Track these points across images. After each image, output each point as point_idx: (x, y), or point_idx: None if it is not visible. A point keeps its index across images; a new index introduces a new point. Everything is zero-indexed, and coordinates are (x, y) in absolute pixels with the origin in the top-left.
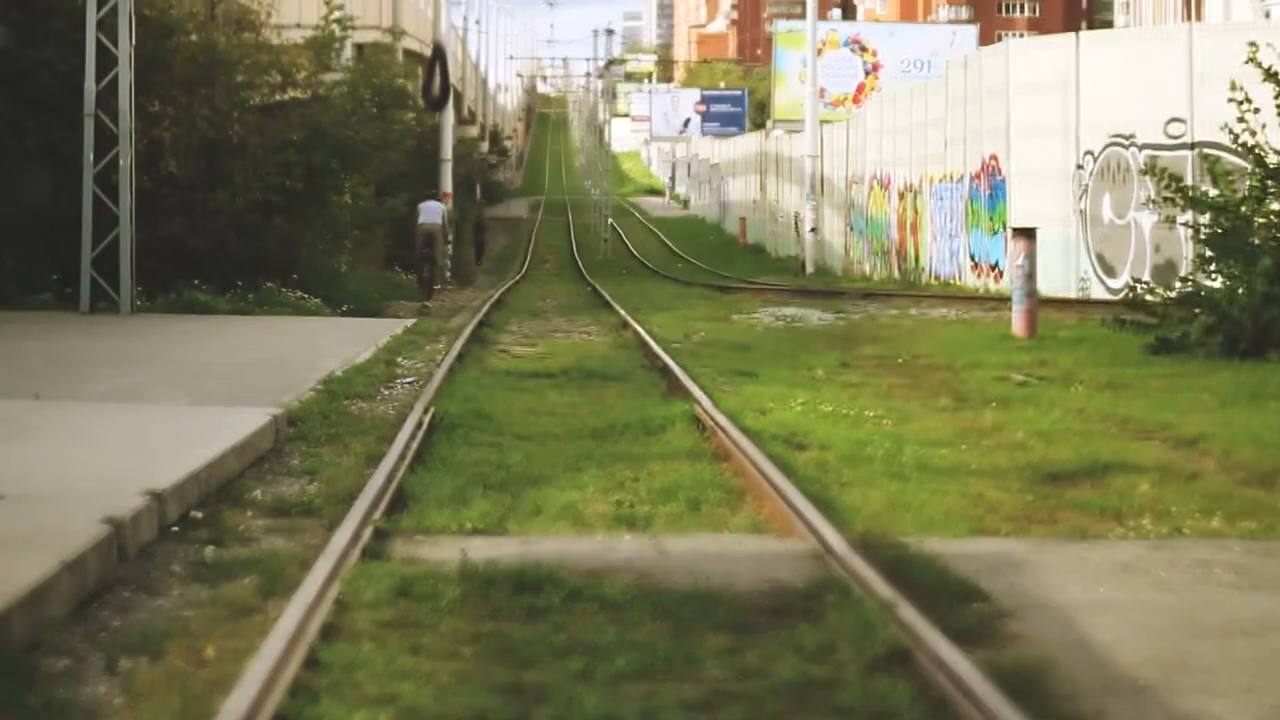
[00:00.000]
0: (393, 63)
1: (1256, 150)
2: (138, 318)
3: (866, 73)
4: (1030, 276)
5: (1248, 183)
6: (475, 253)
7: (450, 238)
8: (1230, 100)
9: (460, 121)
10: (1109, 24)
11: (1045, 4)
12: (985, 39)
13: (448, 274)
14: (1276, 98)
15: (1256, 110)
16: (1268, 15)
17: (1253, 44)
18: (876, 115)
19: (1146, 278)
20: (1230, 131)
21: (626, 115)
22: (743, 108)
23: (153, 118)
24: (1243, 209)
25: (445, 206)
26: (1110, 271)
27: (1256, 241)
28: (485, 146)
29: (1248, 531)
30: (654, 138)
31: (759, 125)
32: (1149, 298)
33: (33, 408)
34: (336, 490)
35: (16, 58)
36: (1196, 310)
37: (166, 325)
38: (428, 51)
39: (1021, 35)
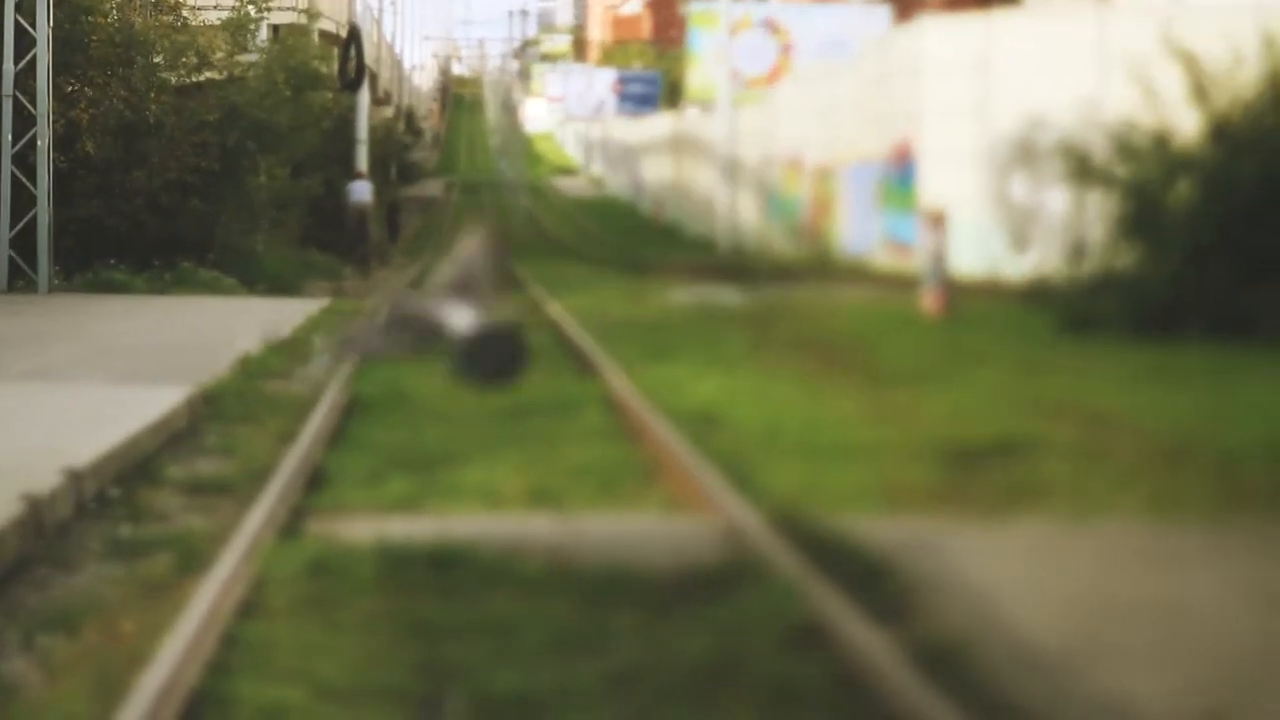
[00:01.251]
0: (308, 44)
1: (1163, 133)
2: (55, 297)
3: (780, 53)
4: (942, 257)
5: (1155, 164)
6: (390, 233)
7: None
8: (1139, 82)
9: (376, 102)
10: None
11: None
12: (902, 19)
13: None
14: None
15: (1163, 94)
16: None
17: (1164, 24)
18: (790, 96)
19: (1057, 258)
20: (1133, 118)
21: (542, 95)
22: (657, 88)
23: (70, 98)
24: (1152, 190)
25: (371, 186)
26: (1022, 252)
27: (1166, 222)
28: (401, 127)
29: (1159, 510)
30: (569, 118)
31: (674, 106)
32: (1060, 278)
33: None
34: (253, 468)
35: None
36: (1106, 290)
37: (84, 304)
38: (343, 32)
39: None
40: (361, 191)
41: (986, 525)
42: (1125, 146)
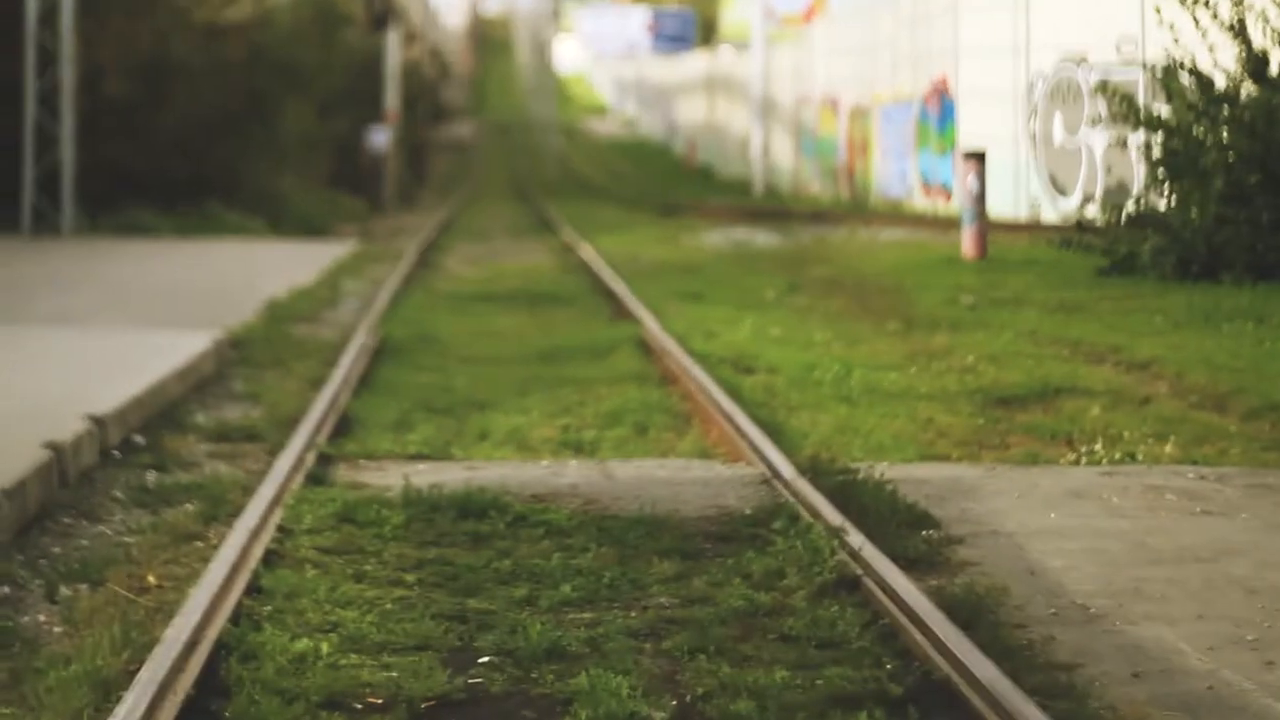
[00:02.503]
0: None
1: (1203, 73)
2: (80, 240)
3: None
4: (980, 198)
5: (1197, 104)
6: (419, 174)
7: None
8: (1178, 22)
9: (404, 41)
10: None
11: None
12: None
13: (395, 196)
14: (1218, 20)
15: (1204, 33)
16: None
17: None
18: (825, 35)
19: (1098, 199)
20: (1175, 58)
21: (573, 34)
22: (691, 27)
23: (94, 39)
24: (1195, 130)
25: (390, 131)
26: (1061, 193)
27: (1208, 163)
28: (429, 66)
29: (1200, 456)
30: (601, 58)
31: (708, 45)
32: (1100, 219)
33: None
34: (279, 415)
35: None
36: (1148, 232)
37: (109, 248)
38: None
39: None
40: (378, 137)
41: (1024, 471)
42: (1167, 86)
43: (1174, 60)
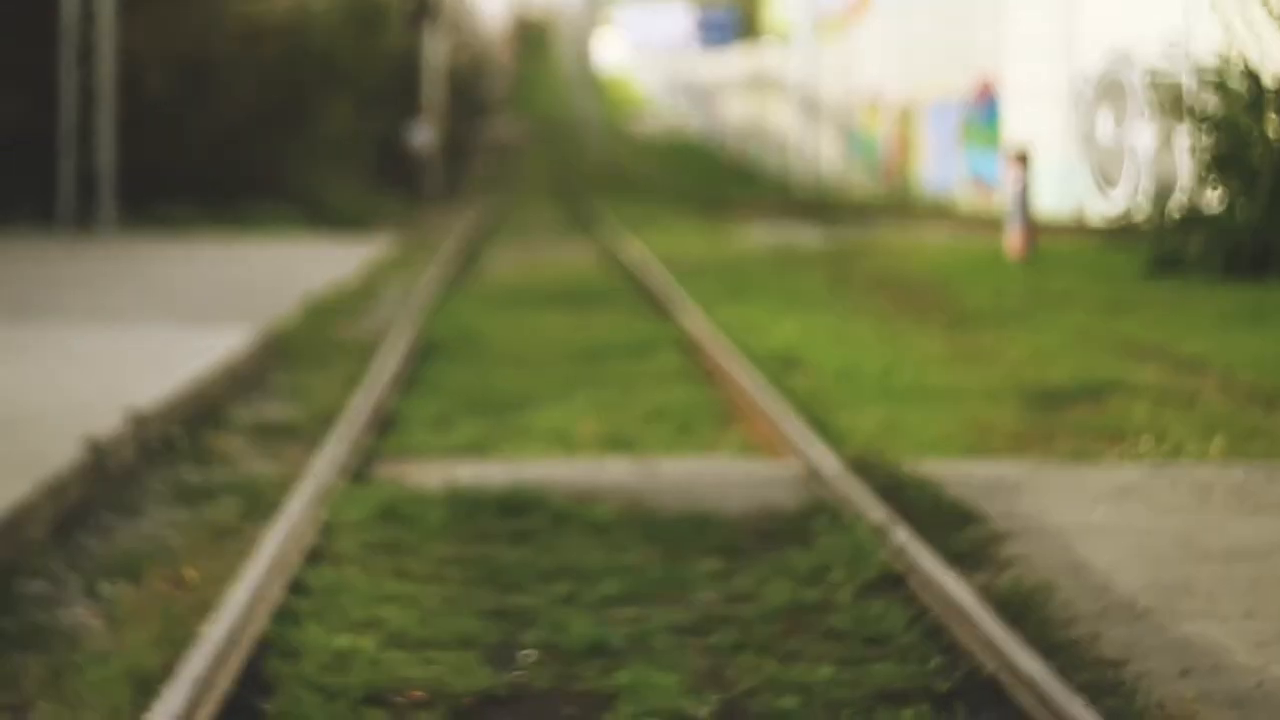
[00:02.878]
0: None
1: (1252, 68)
2: (118, 237)
3: None
4: (1025, 196)
5: (1246, 99)
6: (460, 171)
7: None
8: (1227, 17)
9: (445, 39)
10: None
11: None
12: None
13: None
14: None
15: (1253, 28)
16: None
17: None
18: (871, 32)
19: (1144, 197)
20: (1223, 53)
21: (615, 29)
22: (735, 24)
23: (133, 36)
24: (1243, 125)
25: (431, 127)
26: (1107, 191)
27: (1256, 159)
28: (470, 63)
29: (1248, 453)
30: (644, 55)
31: (752, 42)
32: (1146, 217)
33: (12, 328)
34: (320, 411)
35: None
36: (1195, 229)
37: (147, 245)
38: None
39: None
40: (419, 134)
41: (1072, 468)
42: (1215, 81)
43: (1222, 56)
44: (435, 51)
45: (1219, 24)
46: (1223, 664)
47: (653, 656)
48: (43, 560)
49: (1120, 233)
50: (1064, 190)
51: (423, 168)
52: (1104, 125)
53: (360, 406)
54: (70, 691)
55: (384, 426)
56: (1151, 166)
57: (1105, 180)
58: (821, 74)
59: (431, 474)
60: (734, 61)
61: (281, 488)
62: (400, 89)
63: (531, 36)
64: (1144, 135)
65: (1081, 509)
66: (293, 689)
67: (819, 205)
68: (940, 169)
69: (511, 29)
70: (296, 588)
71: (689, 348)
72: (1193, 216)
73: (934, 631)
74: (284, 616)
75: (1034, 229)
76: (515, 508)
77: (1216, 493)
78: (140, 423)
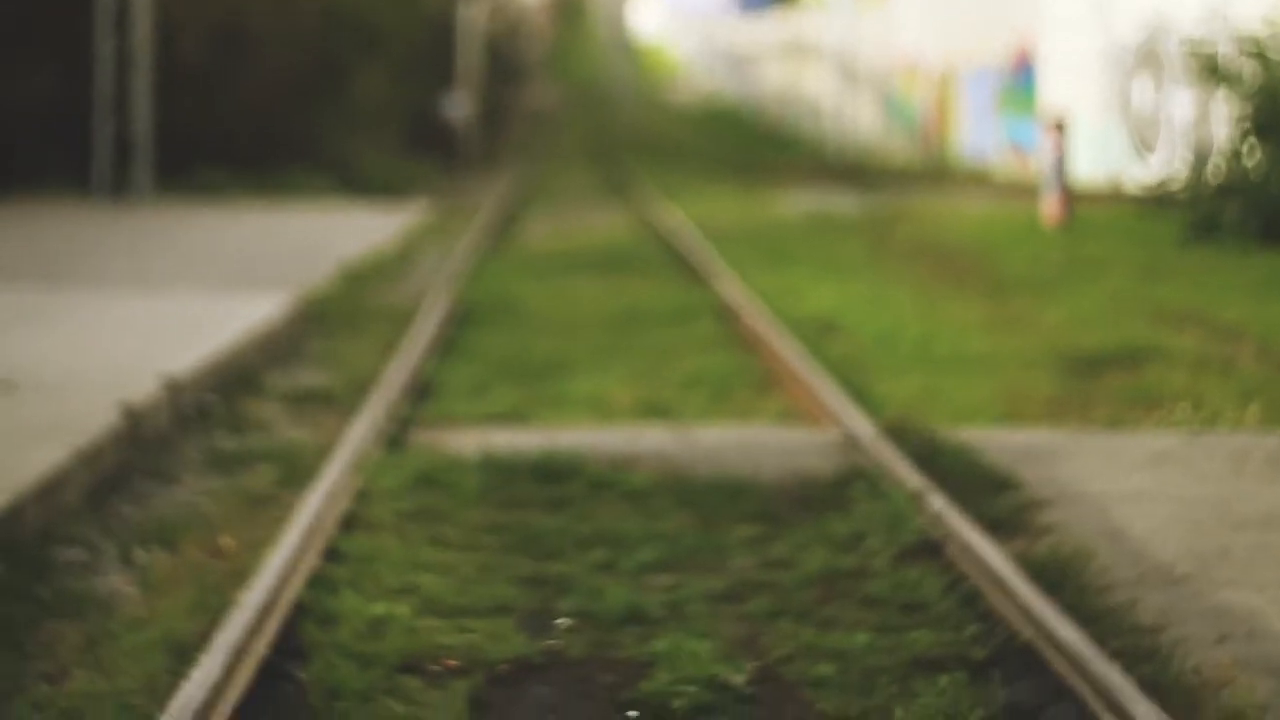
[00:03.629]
0: None
1: None
2: (153, 203)
3: None
4: (1063, 163)
5: None
6: (496, 137)
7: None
8: None
9: (482, 4)
10: None
11: None
12: None
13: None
14: None
15: None
16: None
17: None
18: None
19: (1182, 164)
20: (1262, 17)
21: None
22: None
23: (168, 1)
24: None
25: (465, 98)
26: (1145, 158)
27: None
28: (506, 30)
29: None
30: (681, 21)
31: (789, 6)
32: (1183, 184)
33: (49, 294)
34: (356, 378)
35: None
36: (1231, 195)
37: (183, 211)
38: None
39: None
40: (455, 106)
41: (1108, 436)
42: (1257, 50)
43: (1262, 23)
44: (472, 18)
45: None
46: (1259, 630)
47: (689, 623)
48: (78, 527)
49: (1157, 200)
50: (1101, 157)
51: (457, 135)
52: (1142, 92)
53: (396, 373)
54: (106, 658)
55: (420, 393)
56: (1189, 134)
57: (1143, 148)
58: (859, 40)
59: (468, 441)
60: (771, 28)
61: (317, 454)
62: (436, 55)
63: (569, 3)
64: (1181, 103)
65: (1119, 477)
66: (328, 656)
67: (856, 171)
68: (978, 135)
69: None
70: (332, 555)
71: (726, 314)
72: (1230, 184)
73: (971, 599)
74: (320, 584)
75: (1071, 196)
76: (551, 475)
77: (1253, 460)
78: (176, 389)
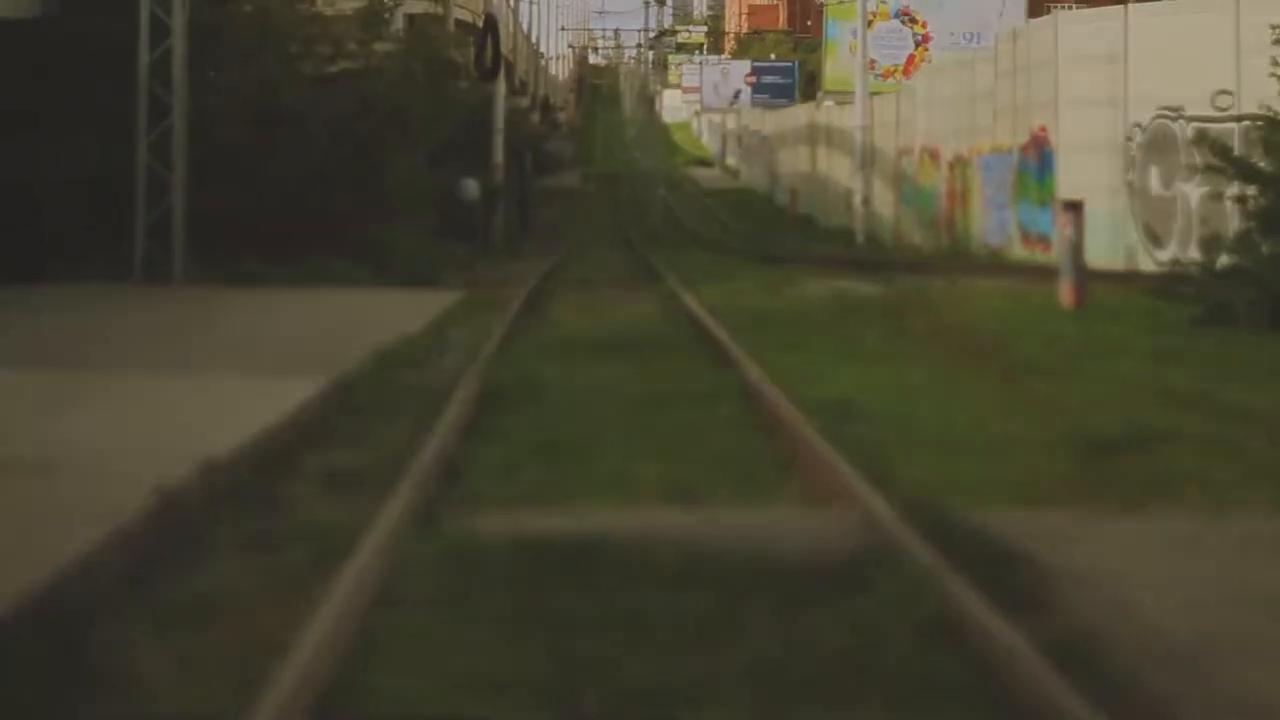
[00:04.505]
0: (444, 33)
1: None
2: (189, 288)
3: (916, 44)
4: (1078, 248)
5: None
6: (522, 224)
7: (495, 207)
8: (1272, 75)
9: (512, 92)
10: None
11: None
12: (1034, 11)
13: (502, 245)
14: None
15: None
16: None
17: None
18: (926, 87)
19: (1193, 250)
20: (1269, 108)
21: (677, 86)
22: (793, 79)
23: (204, 87)
24: None
25: (477, 183)
26: (1158, 243)
27: None
28: (536, 117)
29: None
30: (705, 109)
31: (809, 97)
32: (1194, 269)
33: (86, 377)
34: (388, 459)
35: (65, 25)
36: (1242, 282)
37: (218, 296)
38: (479, 22)
39: (1070, 7)
40: (466, 190)
41: (1122, 518)
42: (1265, 138)
43: (1271, 112)
44: (503, 107)
45: (1271, 80)
46: (1276, 715)
47: (713, 702)
48: (113, 606)
49: (1170, 284)
50: (1116, 242)
51: (483, 220)
52: (1154, 179)
53: (427, 454)
54: None
55: (450, 474)
56: (1200, 220)
57: (1155, 233)
58: (877, 127)
59: (497, 521)
60: (793, 114)
61: (350, 534)
62: (469, 142)
63: (597, 90)
64: (1193, 189)
65: (1130, 558)
66: None
67: (876, 256)
68: (995, 220)
69: (577, 84)
70: (365, 633)
71: (749, 397)
72: (1240, 270)
73: (987, 676)
74: (353, 661)
75: (1086, 280)
76: (579, 555)
77: (1263, 543)
78: (211, 471)
